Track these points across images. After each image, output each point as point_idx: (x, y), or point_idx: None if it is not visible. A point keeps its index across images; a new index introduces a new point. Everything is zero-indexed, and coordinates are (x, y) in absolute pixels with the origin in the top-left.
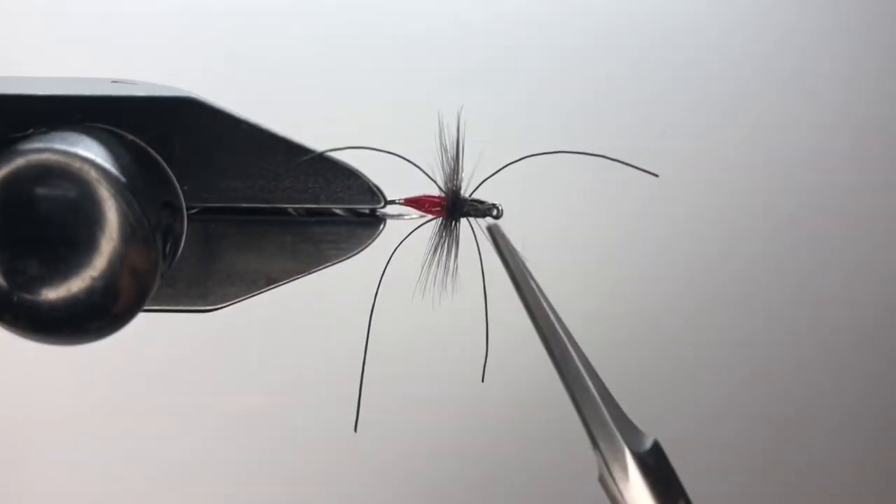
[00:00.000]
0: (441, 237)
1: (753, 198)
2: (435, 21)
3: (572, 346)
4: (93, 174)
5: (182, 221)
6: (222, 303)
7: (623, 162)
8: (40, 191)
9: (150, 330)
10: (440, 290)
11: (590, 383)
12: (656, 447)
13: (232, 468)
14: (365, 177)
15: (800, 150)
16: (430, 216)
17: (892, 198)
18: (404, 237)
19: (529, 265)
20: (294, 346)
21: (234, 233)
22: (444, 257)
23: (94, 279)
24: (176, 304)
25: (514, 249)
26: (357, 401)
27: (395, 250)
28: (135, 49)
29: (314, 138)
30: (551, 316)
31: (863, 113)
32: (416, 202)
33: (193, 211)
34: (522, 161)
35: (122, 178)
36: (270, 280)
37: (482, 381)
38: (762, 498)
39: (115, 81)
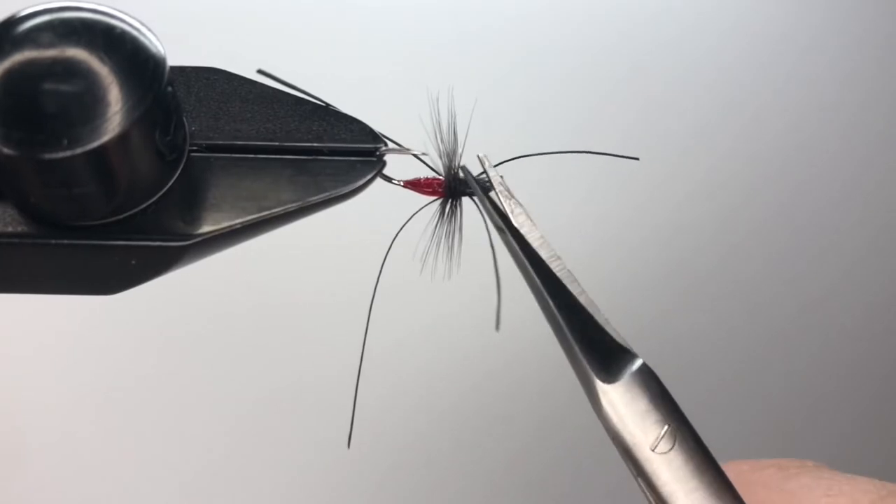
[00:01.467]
0: (444, 216)
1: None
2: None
3: (541, 269)
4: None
5: (185, 139)
6: (207, 228)
7: (603, 153)
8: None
9: (150, 328)
10: (448, 267)
11: (554, 309)
12: (642, 370)
13: (242, 465)
14: (365, 123)
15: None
16: (431, 198)
17: None
18: (404, 223)
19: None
20: (297, 335)
21: (231, 167)
22: (448, 236)
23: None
24: (159, 232)
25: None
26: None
27: (397, 234)
28: None
29: None
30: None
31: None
32: (415, 184)
33: (195, 149)
34: (524, 160)
35: None
36: (262, 207)
37: (497, 329)
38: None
39: None
